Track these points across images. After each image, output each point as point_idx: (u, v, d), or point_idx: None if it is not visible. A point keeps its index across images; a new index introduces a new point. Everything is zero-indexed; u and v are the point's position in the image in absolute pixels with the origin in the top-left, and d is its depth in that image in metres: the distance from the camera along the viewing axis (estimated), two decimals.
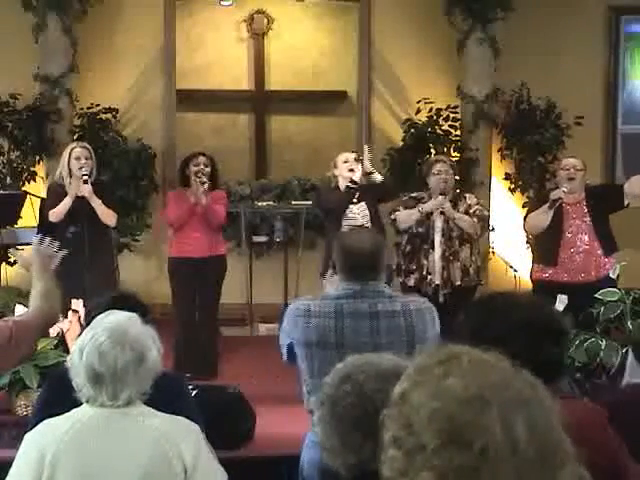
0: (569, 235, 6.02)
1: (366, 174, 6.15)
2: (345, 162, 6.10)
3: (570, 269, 5.98)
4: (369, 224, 6.00)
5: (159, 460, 2.56)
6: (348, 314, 3.28)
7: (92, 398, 2.60)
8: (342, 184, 6.11)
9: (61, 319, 5.11)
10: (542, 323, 2.08)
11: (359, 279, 3.31)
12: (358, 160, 6.17)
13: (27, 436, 2.63)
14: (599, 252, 6.01)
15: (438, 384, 1.26)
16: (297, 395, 3.51)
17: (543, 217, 6.00)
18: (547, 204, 5.95)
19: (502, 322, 2.06)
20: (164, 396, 2.73)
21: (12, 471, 2.60)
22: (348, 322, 3.27)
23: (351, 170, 6.05)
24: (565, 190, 5.97)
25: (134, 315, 2.73)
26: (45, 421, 2.64)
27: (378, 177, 6.22)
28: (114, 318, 2.69)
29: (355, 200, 6.05)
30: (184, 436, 2.65)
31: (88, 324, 3.29)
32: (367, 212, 6.05)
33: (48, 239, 3.23)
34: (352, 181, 6.05)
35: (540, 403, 1.27)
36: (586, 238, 6.00)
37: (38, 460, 2.53)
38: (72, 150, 6.24)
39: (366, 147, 6.46)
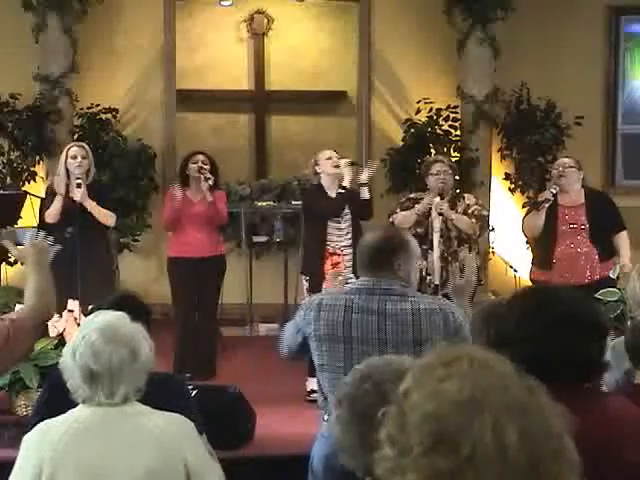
0: (563, 240, 6.03)
1: (360, 184, 6.06)
2: (328, 159, 6.07)
3: (564, 273, 5.99)
4: (350, 229, 5.98)
5: (160, 459, 2.57)
6: (357, 308, 3.33)
7: (89, 398, 2.60)
8: (326, 181, 6.07)
9: (57, 319, 5.11)
10: (588, 319, 2.06)
11: (371, 275, 3.37)
12: (353, 165, 6.13)
13: (25, 439, 2.62)
14: (594, 257, 6.00)
15: (436, 386, 1.25)
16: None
17: (535, 219, 6.06)
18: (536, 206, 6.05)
19: (547, 315, 2.04)
20: (166, 397, 2.74)
21: (13, 473, 2.60)
22: (356, 316, 3.32)
23: (336, 167, 6.02)
24: (553, 191, 6.02)
25: (123, 314, 2.73)
26: (42, 423, 2.64)
27: (366, 194, 6.06)
28: (103, 318, 2.69)
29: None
30: (184, 434, 2.66)
31: None
32: (350, 216, 6.00)
33: (42, 233, 3.25)
34: (342, 187, 6.02)
35: (538, 410, 1.24)
36: (581, 243, 6.00)
37: (37, 463, 2.53)
38: (69, 149, 6.25)
39: (375, 162, 6.53)
